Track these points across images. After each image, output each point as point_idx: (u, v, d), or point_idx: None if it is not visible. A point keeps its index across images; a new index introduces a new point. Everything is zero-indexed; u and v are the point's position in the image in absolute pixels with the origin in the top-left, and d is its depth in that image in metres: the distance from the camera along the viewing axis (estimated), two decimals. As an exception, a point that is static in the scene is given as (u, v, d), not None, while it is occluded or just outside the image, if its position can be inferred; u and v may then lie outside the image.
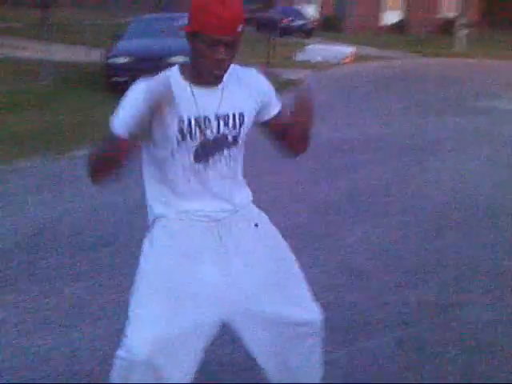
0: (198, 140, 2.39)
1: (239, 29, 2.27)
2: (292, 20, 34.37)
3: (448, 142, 9.61)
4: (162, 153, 2.41)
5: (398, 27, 41.95)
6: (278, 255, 2.64)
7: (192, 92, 2.36)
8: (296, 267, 2.68)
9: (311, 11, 39.18)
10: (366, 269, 4.82)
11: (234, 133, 2.45)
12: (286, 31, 30.99)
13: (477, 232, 5.72)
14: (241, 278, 2.52)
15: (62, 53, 17.40)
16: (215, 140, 2.41)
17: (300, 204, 6.35)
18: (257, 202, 2.70)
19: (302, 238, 5.14)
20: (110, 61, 13.91)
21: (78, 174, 7.15)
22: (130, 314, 2.48)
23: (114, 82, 13.79)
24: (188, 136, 2.37)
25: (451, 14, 44.66)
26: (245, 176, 2.65)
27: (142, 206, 6.10)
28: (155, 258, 2.52)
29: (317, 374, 2.82)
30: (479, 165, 8.20)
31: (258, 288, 2.55)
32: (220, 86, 2.40)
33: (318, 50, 23.86)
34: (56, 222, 5.61)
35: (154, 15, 19.88)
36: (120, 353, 2.45)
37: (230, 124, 2.42)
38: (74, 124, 10.34)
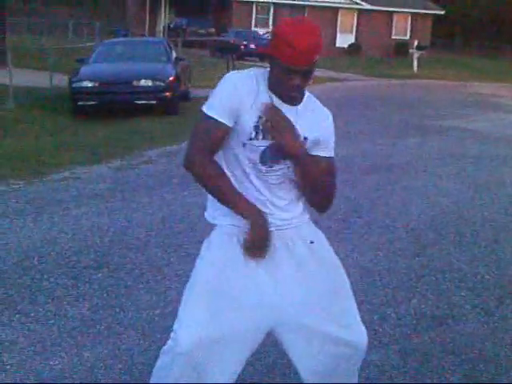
0: (269, 141, 2.50)
1: (315, 58, 2.39)
2: (246, 44, 34.71)
3: (415, 162, 9.89)
4: (234, 144, 2.54)
5: (352, 50, 42.64)
6: (331, 274, 2.73)
7: (272, 100, 2.48)
8: (348, 288, 2.78)
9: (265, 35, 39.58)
10: (357, 286, 4.95)
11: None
12: (241, 55, 31.26)
13: (456, 248, 5.94)
14: (291, 290, 2.62)
15: (23, 78, 17.30)
16: (280, 148, 2.51)
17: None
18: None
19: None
20: (75, 85, 13.94)
21: (60, 197, 7.22)
22: (180, 309, 2.63)
23: (81, 106, 13.85)
24: (261, 134, 2.49)
25: (402, 38, 45.71)
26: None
27: (130, 228, 6.22)
28: (210, 260, 2.65)
29: None
30: (448, 183, 8.47)
31: (308, 302, 2.65)
32: (296, 107, 2.53)
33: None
34: (47, 245, 5.63)
35: (118, 39, 19.99)
36: (165, 347, 2.64)
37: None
38: (46, 148, 10.33)
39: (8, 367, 3.69)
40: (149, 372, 3.63)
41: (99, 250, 5.56)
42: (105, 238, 5.86)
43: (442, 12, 47.72)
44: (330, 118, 2.68)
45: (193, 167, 2.53)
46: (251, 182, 2.58)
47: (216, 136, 2.49)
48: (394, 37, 46.40)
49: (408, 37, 45.90)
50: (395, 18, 46.59)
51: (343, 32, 45.10)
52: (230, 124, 2.48)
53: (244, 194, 2.55)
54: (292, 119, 2.47)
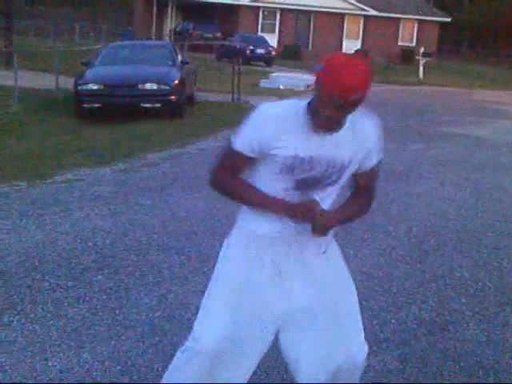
0: (301, 175, 2.55)
1: (360, 95, 2.35)
2: (252, 49, 34.77)
3: (417, 168, 9.89)
4: (265, 171, 2.59)
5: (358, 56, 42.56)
6: (340, 286, 2.76)
7: (310, 133, 2.49)
8: (356, 302, 2.80)
9: (271, 40, 39.64)
10: (359, 291, 4.93)
11: (336, 175, 2.59)
12: (247, 59, 31.32)
13: (458, 254, 5.93)
14: (299, 297, 2.66)
15: (29, 80, 17.37)
16: (317, 179, 2.56)
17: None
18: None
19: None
20: (80, 87, 13.97)
21: (63, 199, 7.23)
22: (201, 309, 2.70)
23: (86, 109, 13.89)
24: (293, 171, 2.53)
25: (408, 44, 45.73)
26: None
27: (131, 230, 6.23)
28: (228, 264, 2.71)
29: None
30: (451, 190, 8.46)
31: (314, 311, 2.68)
32: (336, 134, 2.52)
33: (282, 78, 24.18)
34: (49, 246, 5.64)
35: (124, 42, 20.05)
36: (183, 347, 2.70)
37: (336, 167, 2.56)
38: (50, 150, 10.36)
39: (7, 367, 3.70)
40: (147, 374, 3.67)
41: (100, 251, 5.57)
42: (106, 239, 5.87)
43: (449, 19, 47.74)
44: (374, 129, 2.67)
45: (215, 188, 2.69)
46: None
47: (239, 165, 2.61)
48: (400, 43, 46.42)
49: (414, 44, 45.92)
50: (402, 24, 46.62)
51: (349, 38, 45.14)
52: (254, 155, 2.55)
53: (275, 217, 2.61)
54: (329, 146, 2.51)
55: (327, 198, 2.66)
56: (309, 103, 2.50)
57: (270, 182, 2.59)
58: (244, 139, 2.54)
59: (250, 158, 2.55)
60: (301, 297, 2.66)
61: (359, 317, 2.80)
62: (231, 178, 2.63)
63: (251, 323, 2.63)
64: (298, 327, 2.70)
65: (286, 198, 2.58)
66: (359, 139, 2.59)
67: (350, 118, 2.50)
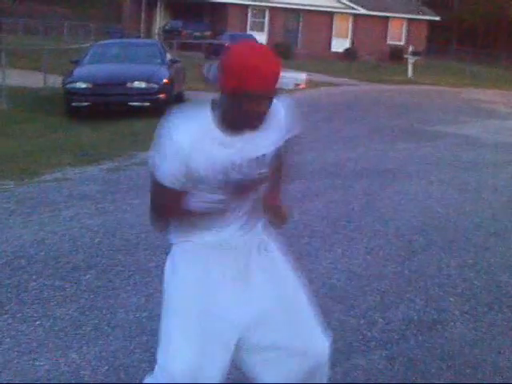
0: (229, 181, 2.46)
1: (277, 82, 2.32)
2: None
3: (407, 167, 9.90)
4: (200, 188, 2.50)
5: (347, 54, 42.71)
6: (282, 284, 2.69)
7: (225, 140, 2.41)
8: (302, 297, 2.73)
9: (260, 39, 39.63)
10: (347, 290, 4.97)
11: (264, 172, 2.53)
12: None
13: (446, 253, 5.94)
14: (256, 302, 2.61)
15: (17, 78, 17.29)
16: (246, 181, 2.49)
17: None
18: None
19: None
20: (68, 86, 13.94)
21: (51, 198, 7.20)
22: (162, 339, 2.58)
23: (75, 107, 13.85)
24: (226, 179, 2.45)
25: (397, 43, 45.86)
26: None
27: (119, 229, 6.20)
28: (178, 284, 2.59)
29: None
30: (440, 189, 8.48)
31: (261, 317, 2.62)
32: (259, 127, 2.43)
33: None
34: (36, 245, 5.62)
35: (112, 41, 19.98)
36: (156, 376, 2.58)
37: (261, 164, 2.51)
38: (38, 149, 10.32)
39: (-7, 368, 3.68)
40: (135, 374, 3.65)
41: (88, 251, 5.55)
42: (94, 239, 5.85)
43: (438, 18, 47.90)
44: (284, 110, 2.57)
45: (157, 230, 2.69)
46: (218, 218, 2.55)
47: (172, 200, 2.49)
48: (389, 42, 46.54)
49: (403, 42, 46.06)
50: (391, 23, 46.76)
51: (338, 37, 45.21)
52: (183, 185, 2.44)
53: (213, 226, 2.55)
54: (250, 146, 2.45)
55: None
56: (214, 109, 2.42)
57: (206, 196, 2.50)
58: (168, 173, 2.42)
59: (179, 191, 2.45)
60: (257, 300, 2.60)
61: (311, 312, 2.73)
62: (170, 219, 2.58)
63: (215, 344, 2.54)
64: (257, 330, 2.63)
65: (217, 212, 2.52)
66: (275, 127, 2.51)
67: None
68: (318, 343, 2.72)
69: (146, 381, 2.71)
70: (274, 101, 2.40)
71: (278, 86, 2.33)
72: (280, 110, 2.55)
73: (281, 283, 2.67)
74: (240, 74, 2.23)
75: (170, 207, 2.52)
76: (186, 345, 2.52)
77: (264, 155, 2.51)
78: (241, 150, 2.44)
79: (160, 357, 2.58)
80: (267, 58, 2.27)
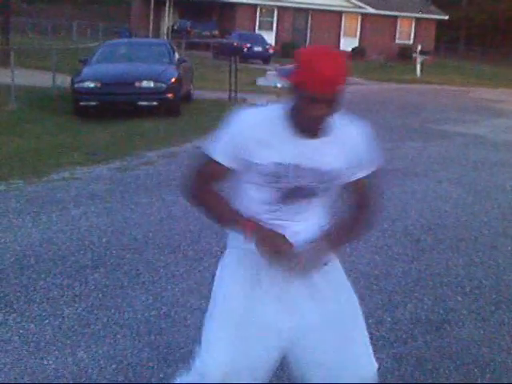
0: (286, 185, 2.43)
1: (340, 87, 2.27)
2: (250, 47, 34.79)
3: (415, 166, 9.89)
4: (247, 182, 2.49)
5: (355, 53, 42.61)
6: (343, 300, 2.62)
7: (292, 139, 2.39)
8: (359, 315, 2.65)
9: (268, 38, 39.63)
10: (355, 289, 4.94)
11: (323, 186, 2.48)
12: (244, 57, 31.29)
13: (454, 253, 5.93)
14: (302, 316, 2.53)
15: (26, 78, 17.33)
16: (302, 189, 2.45)
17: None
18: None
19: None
20: (77, 86, 13.96)
21: (59, 198, 7.22)
22: (204, 338, 2.54)
23: (83, 107, 13.88)
24: (278, 180, 2.42)
25: (406, 42, 45.78)
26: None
27: (127, 229, 6.22)
28: (226, 287, 2.57)
29: None
30: (448, 188, 8.46)
31: (318, 329, 2.54)
32: (319, 139, 2.40)
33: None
34: (45, 244, 5.64)
35: (120, 40, 20.03)
36: (189, 377, 2.55)
37: (322, 176, 2.45)
38: (47, 148, 10.35)
39: (2, 366, 3.69)
40: (143, 373, 3.66)
41: (96, 250, 5.56)
42: (102, 238, 5.86)
43: (446, 17, 47.76)
44: (361, 137, 2.52)
45: (187, 199, 2.64)
46: (270, 222, 2.50)
47: (215, 176, 2.51)
48: (397, 41, 46.45)
49: (411, 41, 45.95)
50: (399, 22, 46.66)
51: (347, 36, 45.15)
52: (232, 165, 2.45)
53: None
54: (312, 153, 2.40)
55: (313, 211, 2.55)
56: (289, 108, 2.39)
57: (252, 193, 2.49)
58: (221, 148, 2.45)
59: (228, 168, 2.46)
60: (305, 312, 2.53)
61: (365, 332, 2.65)
62: (204, 191, 2.54)
63: (257, 350, 2.49)
64: (305, 345, 2.56)
65: (269, 211, 2.49)
66: (347, 148, 2.46)
67: (336, 125, 2.40)
68: (367, 367, 2.60)
69: (178, 380, 2.70)
70: (344, 116, 2.42)
71: (339, 92, 2.28)
72: (351, 131, 2.50)
73: (334, 298, 2.59)
74: (301, 69, 2.26)
75: (206, 179, 2.53)
76: (224, 349, 2.47)
77: (320, 169, 2.44)
78: (299, 154, 2.40)
79: (198, 358, 2.54)
80: (329, 61, 2.24)
